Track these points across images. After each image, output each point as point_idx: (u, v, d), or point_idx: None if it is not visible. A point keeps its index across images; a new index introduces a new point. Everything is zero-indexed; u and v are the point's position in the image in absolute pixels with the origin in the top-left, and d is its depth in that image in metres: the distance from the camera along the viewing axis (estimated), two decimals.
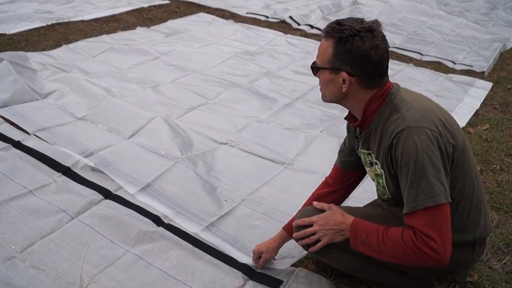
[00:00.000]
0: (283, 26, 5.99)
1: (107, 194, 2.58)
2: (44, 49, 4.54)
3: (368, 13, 6.65)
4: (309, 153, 3.22)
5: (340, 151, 2.15)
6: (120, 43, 4.80)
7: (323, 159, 3.09)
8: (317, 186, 2.24)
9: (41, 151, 2.87)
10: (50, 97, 3.60)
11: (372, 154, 1.85)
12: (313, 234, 1.86)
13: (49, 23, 5.24)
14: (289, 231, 2.10)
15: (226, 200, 2.66)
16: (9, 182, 2.60)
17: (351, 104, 1.83)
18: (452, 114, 1.88)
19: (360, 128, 1.89)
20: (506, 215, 2.65)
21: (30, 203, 2.45)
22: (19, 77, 3.63)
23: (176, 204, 2.56)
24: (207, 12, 6.30)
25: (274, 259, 2.21)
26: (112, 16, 5.80)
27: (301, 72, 4.57)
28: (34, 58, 4.17)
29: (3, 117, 3.22)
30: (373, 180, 1.94)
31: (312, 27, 6.04)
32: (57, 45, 4.67)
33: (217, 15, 6.19)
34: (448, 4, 7.78)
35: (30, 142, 2.97)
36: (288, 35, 5.64)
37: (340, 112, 3.74)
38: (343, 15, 6.50)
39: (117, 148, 3.01)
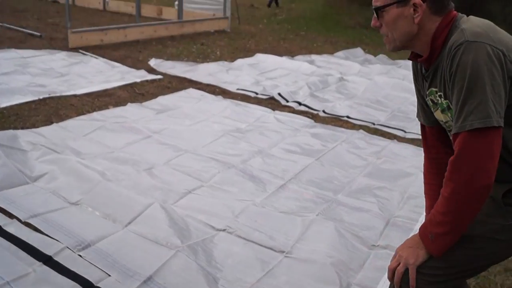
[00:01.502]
0: (272, 103, 6.07)
1: (88, 286, 2.49)
2: (34, 124, 4.50)
3: (354, 90, 6.79)
4: (307, 239, 3.18)
5: (418, 114, 2.01)
6: (112, 121, 4.78)
7: (321, 246, 3.04)
8: (317, 276, 2.18)
9: (22, 238, 2.79)
10: (41, 180, 3.52)
11: (438, 91, 1.73)
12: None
13: (41, 97, 5.24)
14: None
15: None
16: None
17: (420, 39, 1.72)
18: None
19: (426, 65, 1.77)
20: None
21: None
22: (8, 161, 3.57)
23: None
24: (199, 88, 6.36)
25: None
26: (105, 90, 5.82)
27: (291, 151, 4.58)
28: (24, 137, 4.12)
29: None
30: (443, 122, 1.80)
31: (300, 104, 6.12)
32: (48, 120, 4.64)
33: (208, 91, 6.26)
34: None
35: (11, 228, 2.89)
36: (277, 112, 5.71)
37: (332, 193, 3.75)
38: (330, 91, 6.63)
39: (115, 238, 2.93)
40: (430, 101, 1.82)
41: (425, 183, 2.04)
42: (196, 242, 2.97)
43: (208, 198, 3.58)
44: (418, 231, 1.73)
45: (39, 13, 10.88)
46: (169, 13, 11.73)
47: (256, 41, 10.43)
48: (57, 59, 6.94)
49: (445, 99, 1.69)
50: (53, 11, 11.27)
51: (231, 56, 8.54)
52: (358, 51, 9.94)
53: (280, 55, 8.77)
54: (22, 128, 4.40)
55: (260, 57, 8.47)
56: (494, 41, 1.54)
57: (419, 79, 1.89)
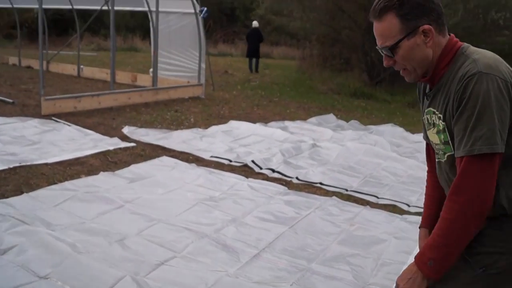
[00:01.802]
0: (246, 170, 6.09)
1: None
2: (3, 195, 4.44)
3: (327, 156, 6.88)
4: None
5: (423, 131, 2.08)
6: (83, 191, 4.74)
7: None
8: None
9: None
10: (9, 253, 3.43)
11: (437, 112, 1.81)
12: None
13: (11, 166, 5.20)
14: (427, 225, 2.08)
15: None
16: None
17: (434, 63, 1.80)
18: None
19: (430, 84, 1.86)
20: None
21: None
22: None
23: None
24: (172, 155, 6.38)
25: None
26: (77, 159, 5.80)
27: (265, 219, 4.58)
28: None
29: None
30: (434, 143, 1.89)
31: (273, 171, 6.16)
32: (17, 189, 4.59)
33: (181, 159, 6.28)
34: (400, 145, 8.16)
35: None
36: (250, 179, 5.73)
37: (306, 262, 3.74)
38: (303, 158, 6.71)
39: None
40: (425, 120, 1.92)
41: (426, 194, 2.16)
42: None
43: (181, 269, 3.53)
44: (414, 259, 1.79)
45: (12, 79, 10.91)
46: (144, 79, 11.89)
47: (230, 107, 10.58)
48: (29, 126, 6.92)
49: (443, 121, 1.77)
50: (26, 77, 11.32)
51: (205, 123, 8.63)
52: (331, 117, 10.16)
53: (254, 121, 8.91)
54: None
55: (234, 124, 8.58)
56: (502, 74, 1.66)
57: (420, 97, 1.99)
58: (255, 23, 19.17)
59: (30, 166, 5.31)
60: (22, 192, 4.57)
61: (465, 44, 1.81)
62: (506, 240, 1.71)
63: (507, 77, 1.67)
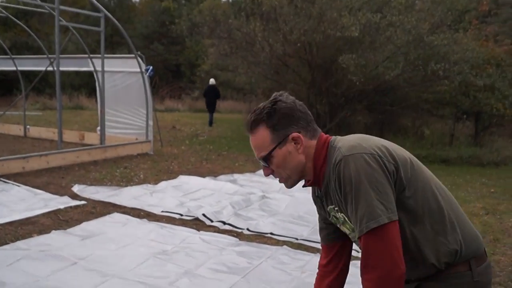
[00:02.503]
0: (197, 223, 6.20)
1: None
2: None
3: (276, 206, 7.07)
4: None
5: (320, 229, 2.12)
6: (36, 250, 4.75)
7: None
8: None
9: None
10: None
11: (334, 207, 1.85)
12: None
13: None
14: None
15: None
16: None
17: (307, 166, 1.86)
18: None
19: (318, 186, 1.91)
20: None
21: None
22: None
23: None
24: (123, 212, 6.44)
25: None
26: (28, 218, 5.78)
27: (218, 270, 4.68)
28: None
29: None
30: (347, 232, 1.91)
31: (224, 223, 6.28)
32: None
33: (133, 214, 6.34)
34: None
35: None
36: (202, 232, 5.82)
37: None
38: (253, 209, 6.87)
39: None
40: (333, 218, 1.95)
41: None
42: None
43: None
44: None
45: None
46: (91, 138, 11.92)
47: (179, 162, 10.70)
48: None
49: (341, 212, 1.83)
50: None
51: (155, 179, 8.72)
52: None
53: (203, 175, 9.04)
54: None
55: (183, 178, 8.70)
56: (367, 149, 1.74)
57: (317, 201, 2.03)
58: (212, 81, 20.21)
59: None
60: None
61: (333, 137, 1.91)
62: None
63: (374, 150, 1.74)
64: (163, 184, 8.24)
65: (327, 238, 2.10)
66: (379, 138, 1.89)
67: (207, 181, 8.53)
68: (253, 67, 16.60)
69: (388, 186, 1.70)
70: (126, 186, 8.00)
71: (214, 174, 9.42)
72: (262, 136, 1.84)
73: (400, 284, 1.67)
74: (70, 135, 11.64)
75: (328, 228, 2.07)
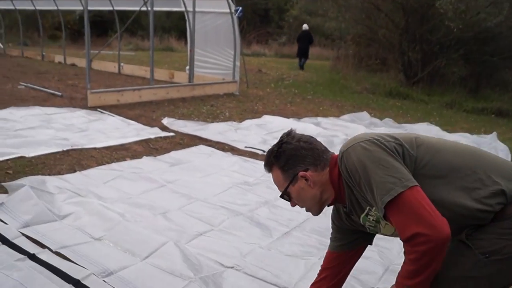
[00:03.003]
0: None
1: None
2: (59, 172, 4.90)
3: None
4: (309, 279, 3.38)
5: (334, 239, 2.27)
6: (129, 171, 5.16)
7: None
8: None
9: (53, 264, 3.14)
10: (67, 218, 3.87)
11: (365, 209, 1.92)
12: None
13: (65, 149, 5.69)
14: None
15: None
16: None
17: (327, 192, 1.98)
18: None
19: (342, 202, 2.02)
20: None
21: None
22: (39, 201, 3.94)
23: None
24: (209, 145, 6.76)
25: None
26: (122, 145, 6.24)
27: None
28: (51, 182, 4.50)
29: (24, 234, 3.49)
30: (391, 234, 1.98)
31: None
32: (71, 169, 5.04)
33: (217, 148, 6.65)
34: None
35: (44, 256, 3.24)
36: None
37: None
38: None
39: (135, 268, 3.24)
40: (371, 226, 2.00)
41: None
42: (207, 275, 3.26)
43: (217, 240, 3.88)
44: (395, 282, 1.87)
45: (59, 75, 11.52)
46: (180, 77, 12.33)
47: (263, 104, 10.91)
48: (77, 116, 7.43)
49: (372, 207, 1.87)
50: (71, 74, 11.92)
51: (240, 117, 8.99)
52: (364, 114, 10.25)
53: (287, 117, 9.19)
54: (49, 175, 4.79)
55: (267, 118, 8.92)
56: (362, 138, 1.86)
57: (344, 218, 2.14)
58: (305, 26, 20.29)
59: (81, 150, 5.79)
60: (75, 171, 5.03)
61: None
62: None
63: (369, 137, 1.86)
64: (247, 122, 8.50)
65: (340, 245, 2.24)
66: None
67: (291, 122, 8.67)
68: (343, 11, 16.24)
69: (393, 160, 1.77)
70: (212, 122, 8.32)
71: (298, 116, 9.54)
72: (277, 175, 2.02)
73: (445, 246, 1.66)
74: (160, 74, 12.11)
75: (343, 239, 2.21)
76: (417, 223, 1.65)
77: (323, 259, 3.68)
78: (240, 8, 11.24)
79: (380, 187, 1.72)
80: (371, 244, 2.22)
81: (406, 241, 1.72)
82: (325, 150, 2.03)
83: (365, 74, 16.65)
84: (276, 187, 2.06)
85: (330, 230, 4.14)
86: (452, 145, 1.95)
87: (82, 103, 8.44)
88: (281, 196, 2.04)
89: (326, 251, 3.80)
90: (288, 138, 2.01)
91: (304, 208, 2.07)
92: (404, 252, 1.78)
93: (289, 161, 1.97)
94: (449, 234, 1.64)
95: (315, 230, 4.25)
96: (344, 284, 3.30)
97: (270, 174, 2.05)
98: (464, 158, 1.86)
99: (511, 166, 1.88)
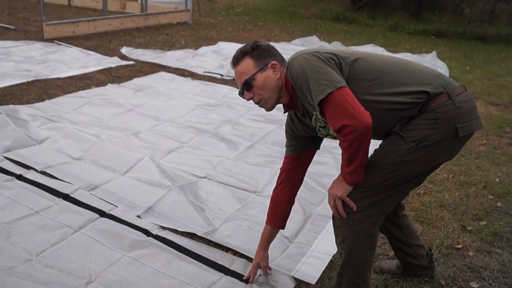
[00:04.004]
0: (236, 83, 6.65)
1: (102, 214, 3.12)
2: (28, 102, 5.05)
3: None
4: (274, 183, 3.82)
5: (288, 143, 2.49)
6: (96, 98, 5.36)
7: None
8: None
9: (41, 182, 3.41)
10: (45, 142, 4.10)
11: (313, 113, 2.16)
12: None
13: (29, 80, 5.78)
14: (274, 223, 2.56)
15: (214, 219, 3.24)
16: (17, 205, 3.12)
17: (284, 92, 2.23)
18: None
19: (296, 107, 2.28)
20: (428, 226, 3.37)
21: (38, 221, 2.98)
22: (16, 127, 4.13)
23: (175, 221, 3.12)
24: (168, 71, 6.96)
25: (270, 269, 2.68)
26: (84, 74, 6.36)
27: (257, 120, 5.20)
28: (23, 110, 4.67)
29: (7, 158, 3.72)
30: (328, 134, 2.27)
31: None
32: (39, 98, 5.19)
33: (177, 74, 6.86)
34: None
35: (30, 175, 3.51)
36: None
37: None
38: None
39: (117, 182, 3.55)
40: (321, 128, 2.26)
41: (272, 197, 2.60)
42: (184, 184, 3.60)
43: (188, 155, 4.21)
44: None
45: (8, 9, 11.21)
46: (132, 7, 12.19)
47: (217, 31, 11.02)
48: (35, 48, 7.41)
49: (316, 111, 2.12)
50: (20, 7, 11.61)
51: (195, 45, 9.13)
52: (314, 38, 10.66)
53: (241, 43, 9.34)
54: (19, 104, 4.93)
55: (222, 44, 9.11)
56: (305, 51, 2.13)
57: (296, 123, 2.38)
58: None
59: (45, 80, 5.88)
60: (43, 100, 5.18)
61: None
62: (435, 118, 2.08)
63: (311, 50, 2.12)
64: (203, 49, 8.67)
65: (294, 149, 2.47)
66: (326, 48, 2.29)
67: None
68: None
69: (328, 67, 2.04)
70: (169, 50, 8.44)
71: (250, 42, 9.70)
72: (247, 64, 2.20)
73: (368, 133, 1.96)
74: (111, 4, 11.90)
75: (296, 144, 2.44)
76: (345, 117, 1.95)
77: None
78: None
79: (315, 88, 2.01)
80: (318, 148, 2.51)
81: (337, 132, 2.00)
82: (285, 60, 2.26)
83: (312, 2, 16.86)
84: (238, 84, 2.26)
85: None
86: (385, 57, 2.27)
87: (37, 36, 8.35)
88: (246, 82, 2.19)
89: None
90: (260, 41, 2.28)
91: (258, 102, 2.25)
92: (339, 144, 2.07)
93: (264, 53, 2.22)
94: (371, 123, 1.94)
95: (276, 143, 4.61)
96: (306, 186, 3.72)
97: (240, 65, 2.23)
98: (395, 65, 2.18)
99: (435, 74, 2.20)
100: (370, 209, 2.18)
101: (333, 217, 2.28)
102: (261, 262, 2.61)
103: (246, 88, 2.21)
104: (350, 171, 2.10)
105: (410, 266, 2.71)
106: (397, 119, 2.15)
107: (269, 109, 2.27)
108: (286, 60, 2.21)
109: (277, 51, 2.29)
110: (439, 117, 2.07)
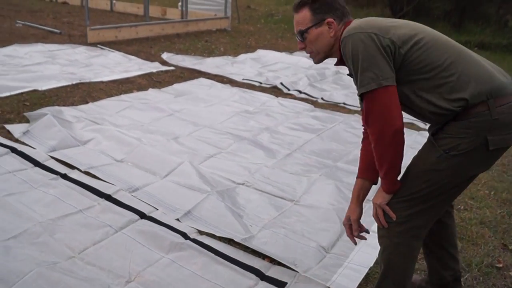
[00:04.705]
0: (275, 91, 6.70)
1: (142, 215, 3.19)
2: (72, 104, 5.19)
3: (349, 81, 7.39)
4: (312, 193, 3.83)
5: None
6: (138, 102, 5.47)
7: (324, 197, 3.70)
8: (321, 217, 2.70)
9: (84, 182, 3.51)
10: (89, 143, 4.21)
11: None
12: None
13: (74, 82, 5.96)
14: (364, 174, 2.36)
15: (251, 225, 3.27)
16: (61, 203, 3.22)
17: (336, 48, 2.21)
18: None
19: (345, 64, 2.24)
20: (468, 243, 3.31)
21: (81, 219, 3.07)
22: (62, 128, 4.26)
23: (213, 226, 3.16)
24: (208, 77, 7.04)
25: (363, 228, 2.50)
26: (127, 78, 6.50)
27: (295, 129, 5.21)
28: (68, 112, 4.81)
29: (53, 157, 3.83)
30: None
31: (300, 92, 6.77)
32: (83, 100, 5.34)
33: (217, 80, 6.93)
34: None
35: (74, 175, 3.61)
36: (280, 98, 6.34)
37: (332, 161, 4.41)
38: (327, 82, 7.31)
39: (157, 184, 3.62)
40: None
41: (361, 148, 2.45)
42: (222, 190, 3.64)
43: (227, 161, 4.25)
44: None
45: (53, 13, 11.56)
46: (172, 13, 12.38)
47: (256, 39, 11.09)
48: (79, 52, 7.62)
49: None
50: (64, 12, 11.95)
51: (234, 52, 9.21)
52: None
53: (279, 51, 9.43)
54: (64, 106, 5.08)
55: (261, 52, 9.17)
56: (364, 29, 2.05)
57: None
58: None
59: (89, 83, 6.05)
60: (87, 102, 5.33)
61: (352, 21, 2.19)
62: (468, 126, 2.01)
63: (370, 30, 2.04)
64: (242, 56, 8.74)
65: None
66: (389, 19, 2.17)
67: (284, 56, 8.94)
68: None
69: (382, 58, 2.00)
70: (209, 57, 8.54)
71: (289, 50, 9.77)
72: (304, 15, 2.21)
73: (397, 137, 2.00)
74: (152, 10, 12.12)
75: None
76: (376, 118, 1.99)
77: (323, 175, 4.11)
78: None
79: (361, 78, 2.00)
80: None
81: (367, 124, 2.06)
82: (348, 13, 2.24)
83: (352, 9, 16.73)
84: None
85: (328, 153, 4.48)
86: (448, 44, 2.14)
87: (81, 40, 8.59)
88: (300, 33, 2.22)
89: (324, 170, 4.22)
90: None
91: (309, 53, 2.29)
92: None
93: (323, 7, 2.19)
94: (398, 130, 1.97)
95: (314, 152, 4.62)
96: (344, 197, 3.71)
97: (298, 13, 2.23)
98: (449, 58, 2.06)
99: (487, 72, 2.10)
100: (410, 222, 2.16)
101: (378, 227, 2.28)
102: (352, 215, 2.41)
103: (299, 38, 2.24)
104: (382, 176, 2.11)
105: (434, 273, 2.59)
106: (432, 120, 2.14)
107: (317, 62, 2.32)
108: (348, 17, 2.22)
109: (341, 3, 2.25)
110: (471, 127, 2.00)
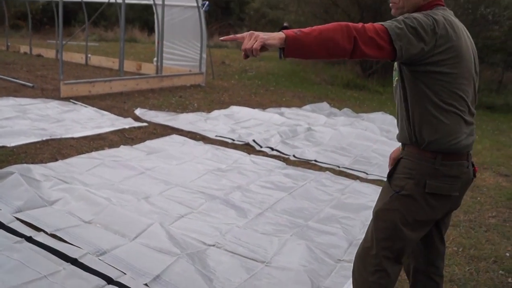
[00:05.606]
0: (247, 148, 6.73)
1: (109, 281, 3.10)
2: (42, 161, 5.12)
3: (320, 138, 7.52)
4: (283, 253, 3.80)
5: None
6: (109, 159, 5.42)
7: (296, 258, 3.66)
8: (293, 280, 2.71)
9: (50, 245, 3.41)
10: (57, 203, 4.13)
11: None
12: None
13: (44, 139, 5.90)
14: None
15: None
16: (26, 268, 3.12)
17: (421, 10, 2.16)
18: None
19: None
20: None
21: (46, 286, 2.98)
22: (29, 187, 4.17)
23: None
24: (181, 134, 7.05)
25: None
26: (98, 134, 6.47)
27: (267, 187, 5.21)
28: (36, 170, 4.73)
29: (18, 219, 3.74)
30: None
31: (272, 149, 6.81)
32: (53, 158, 5.27)
33: (189, 137, 6.94)
34: (390, 131, 8.79)
35: (40, 238, 3.51)
36: (252, 155, 6.36)
37: (303, 220, 4.39)
38: (299, 139, 7.37)
39: (126, 247, 3.54)
40: (394, 72, 2.37)
41: None
42: (192, 252, 3.58)
43: (198, 221, 4.20)
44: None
45: (27, 66, 11.58)
46: (147, 68, 12.52)
47: (229, 95, 11.23)
48: (51, 107, 7.60)
49: None
50: (39, 65, 11.98)
51: (208, 108, 9.29)
52: (324, 105, 10.82)
53: (253, 107, 9.54)
54: (32, 163, 5.00)
55: (234, 108, 9.25)
56: (438, 15, 2.06)
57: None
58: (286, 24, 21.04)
59: (60, 139, 6.00)
60: (57, 159, 5.26)
61: (442, 7, 2.21)
62: (413, 168, 2.13)
63: (440, 19, 2.05)
64: (215, 112, 8.81)
65: None
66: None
67: (257, 112, 9.04)
68: (303, 6, 16.64)
69: (415, 39, 1.96)
70: (182, 112, 8.59)
71: (262, 106, 9.90)
72: None
73: (350, 42, 1.95)
74: (127, 65, 12.24)
75: None
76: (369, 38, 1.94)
77: (294, 235, 4.08)
78: (207, 3, 11.50)
79: (398, 24, 1.96)
80: None
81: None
82: None
83: (323, 66, 17.20)
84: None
85: (299, 212, 4.47)
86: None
87: (54, 94, 8.59)
88: None
89: (296, 229, 4.20)
90: None
91: (394, 3, 2.25)
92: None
93: None
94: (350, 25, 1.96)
95: (286, 211, 4.61)
96: (315, 257, 3.69)
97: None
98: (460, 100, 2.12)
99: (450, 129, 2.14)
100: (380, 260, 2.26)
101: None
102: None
103: None
104: (303, 31, 1.95)
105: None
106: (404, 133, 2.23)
107: (395, 14, 2.25)
108: None
109: None
110: (415, 168, 2.14)
